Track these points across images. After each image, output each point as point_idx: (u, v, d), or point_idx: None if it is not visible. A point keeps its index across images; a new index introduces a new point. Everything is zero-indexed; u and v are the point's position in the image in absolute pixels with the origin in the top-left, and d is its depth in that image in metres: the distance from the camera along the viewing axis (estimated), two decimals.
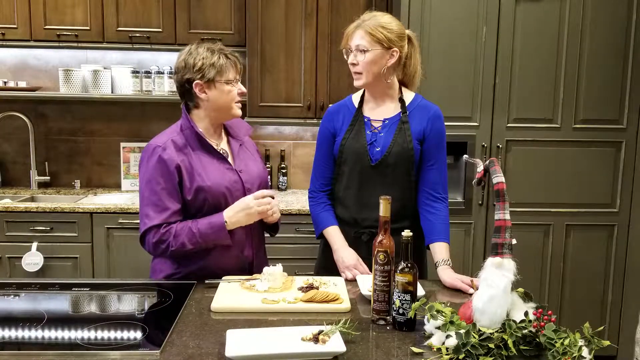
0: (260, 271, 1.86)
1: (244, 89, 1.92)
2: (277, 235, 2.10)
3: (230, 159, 1.94)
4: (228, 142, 1.99)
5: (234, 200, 1.88)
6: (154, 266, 1.97)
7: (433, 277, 1.97)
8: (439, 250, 1.95)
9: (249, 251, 1.95)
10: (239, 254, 1.92)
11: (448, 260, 1.92)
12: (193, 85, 1.84)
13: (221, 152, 1.93)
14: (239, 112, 1.93)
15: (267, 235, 2.09)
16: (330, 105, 2.26)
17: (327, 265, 2.06)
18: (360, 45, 1.93)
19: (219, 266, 1.88)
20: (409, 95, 2.06)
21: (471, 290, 1.75)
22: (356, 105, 2.07)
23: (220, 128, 1.97)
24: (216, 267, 1.88)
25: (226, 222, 1.82)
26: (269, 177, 2.06)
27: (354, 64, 1.96)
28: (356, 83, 2.00)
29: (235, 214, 1.83)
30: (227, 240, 1.83)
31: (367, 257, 1.95)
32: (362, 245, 2.02)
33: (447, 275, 1.86)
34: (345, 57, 2.01)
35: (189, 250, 1.82)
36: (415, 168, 2.02)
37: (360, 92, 2.10)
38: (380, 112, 2.04)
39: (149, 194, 1.82)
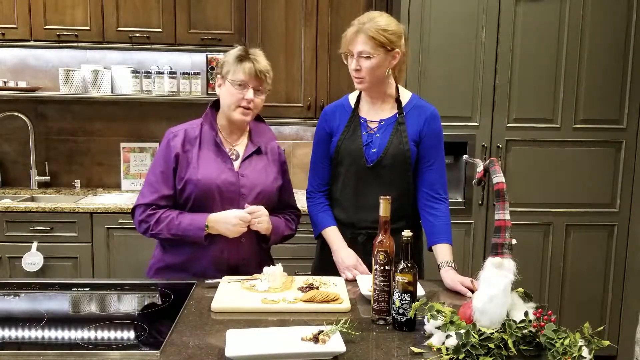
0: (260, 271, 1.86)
1: (249, 97, 1.87)
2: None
3: (238, 162, 1.94)
4: (246, 145, 1.99)
5: (224, 200, 1.88)
6: (150, 260, 2.05)
7: (432, 277, 1.97)
8: (442, 252, 1.93)
9: (231, 255, 1.92)
10: (217, 254, 1.91)
11: (451, 261, 1.90)
12: (217, 78, 1.94)
13: (231, 152, 1.93)
14: (239, 117, 1.90)
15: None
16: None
17: (324, 266, 2.05)
18: (363, 51, 1.89)
19: (195, 262, 1.91)
20: (405, 96, 2.05)
21: (469, 294, 1.74)
22: (353, 105, 2.06)
23: (240, 130, 1.98)
24: (191, 262, 1.92)
25: (207, 225, 1.84)
26: (276, 190, 2.03)
27: (357, 70, 1.92)
28: (358, 87, 1.98)
29: (218, 223, 1.85)
30: (201, 242, 1.85)
31: (363, 258, 1.95)
32: (358, 247, 2.01)
33: (449, 277, 1.85)
34: (344, 61, 1.97)
35: (166, 239, 1.89)
36: (412, 169, 2.02)
37: (356, 92, 2.08)
38: (377, 112, 2.03)
39: (150, 174, 1.93)
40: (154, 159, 1.96)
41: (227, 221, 1.84)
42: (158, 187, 1.89)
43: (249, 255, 1.96)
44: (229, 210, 1.86)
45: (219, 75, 1.92)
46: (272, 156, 2.03)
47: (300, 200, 3.42)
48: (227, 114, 1.92)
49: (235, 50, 1.92)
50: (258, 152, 1.99)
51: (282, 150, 2.10)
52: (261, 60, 1.90)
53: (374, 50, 1.88)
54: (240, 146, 1.98)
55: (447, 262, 1.90)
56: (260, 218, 1.88)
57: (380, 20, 1.91)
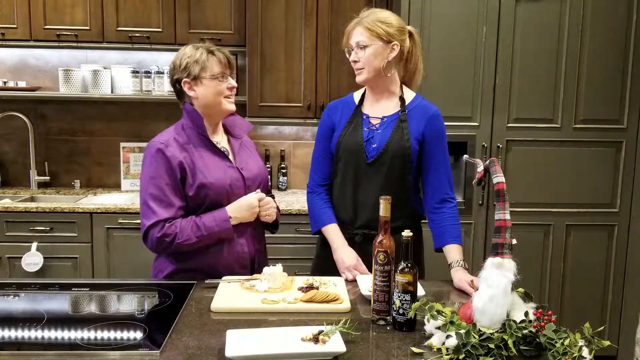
0: (261, 270, 1.86)
1: (233, 83, 1.92)
2: (277, 235, 2.10)
3: (231, 157, 1.95)
4: (229, 140, 2.01)
5: (234, 197, 1.90)
6: (156, 266, 1.97)
7: (432, 277, 1.97)
8: (452, 252, 1.94)
9: (250, 247, 1.96)
10: (239, 250, 1.92)
11: (461, 261, 1.90)
12: (182, 84, 1.88)
13: (222, 149, 1.94)
14: (230, 107, 1.93)
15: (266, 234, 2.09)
16: None
17: (325, 265, 2.04)
18: (360, 41, 1.93)
19: (219, 262, 1.89)
20: (409, 95, 2.05)
21: (472, 291, 1.73)
22: (357, 102, 2.07)
23: (218, 126, 1.98)
24: (216, 263, 1.89)
25: (230, 217, 1.85)
26: (269, 176, 2.07)
27: (355, 61, 1.96)
28: (358, 79, 1.99)
29: (240, 211, 1.88)
30: (230, 234, 1.86)
31: (361, 258, 1.95)
32: (355, 247, 2.00)
33: (457, 276, 1.85)
34: (347, 56, 2.01)
35: (193, 244, 1.82)
36: (412, 168, 2.01)
37: (362, 90, 2.09)
38: (380, 109, 2.04)
39: (153, 190, 1.82)
40: (149, 174, 1.83)
41: (249, 206, 1.89)
42: (169, 200, 1.82)
43: (260, 244, 2.02)
44: (243, 197, 1.90)
45: (184, 80, 1.86)
46: (250, 145, 2.08)
47: (301, 200, 3.44)
48: (215, 110, 1.91)
49: (192, 50, 1.88)
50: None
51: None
52: (222, 49, 1.92)
53: (370, 40, 1.92)
54: (224, 142, 1.99)
55: (457, 261, 1.90)
56: (269, 210, 1.95)
57: (380, 13, 1.96)
